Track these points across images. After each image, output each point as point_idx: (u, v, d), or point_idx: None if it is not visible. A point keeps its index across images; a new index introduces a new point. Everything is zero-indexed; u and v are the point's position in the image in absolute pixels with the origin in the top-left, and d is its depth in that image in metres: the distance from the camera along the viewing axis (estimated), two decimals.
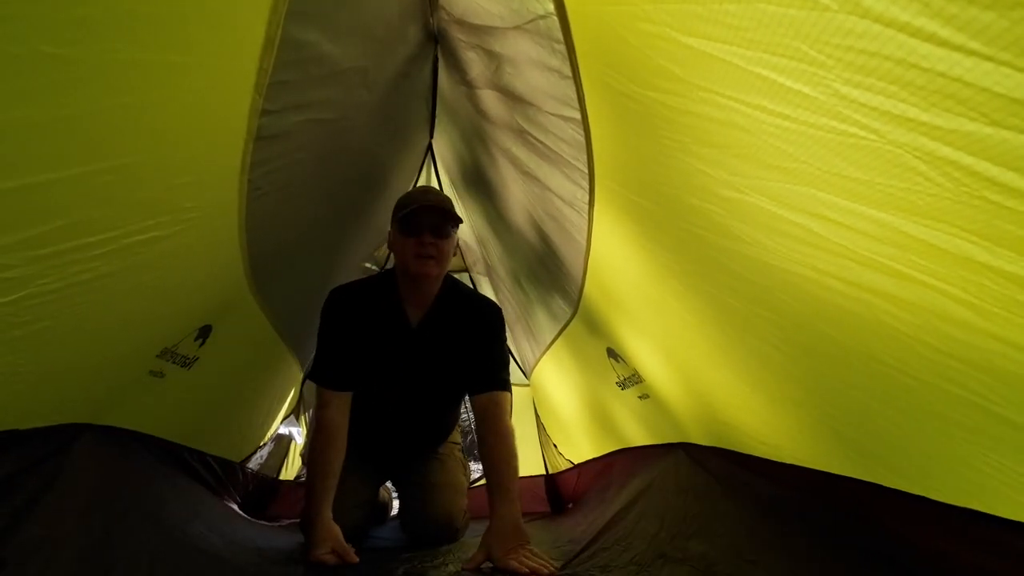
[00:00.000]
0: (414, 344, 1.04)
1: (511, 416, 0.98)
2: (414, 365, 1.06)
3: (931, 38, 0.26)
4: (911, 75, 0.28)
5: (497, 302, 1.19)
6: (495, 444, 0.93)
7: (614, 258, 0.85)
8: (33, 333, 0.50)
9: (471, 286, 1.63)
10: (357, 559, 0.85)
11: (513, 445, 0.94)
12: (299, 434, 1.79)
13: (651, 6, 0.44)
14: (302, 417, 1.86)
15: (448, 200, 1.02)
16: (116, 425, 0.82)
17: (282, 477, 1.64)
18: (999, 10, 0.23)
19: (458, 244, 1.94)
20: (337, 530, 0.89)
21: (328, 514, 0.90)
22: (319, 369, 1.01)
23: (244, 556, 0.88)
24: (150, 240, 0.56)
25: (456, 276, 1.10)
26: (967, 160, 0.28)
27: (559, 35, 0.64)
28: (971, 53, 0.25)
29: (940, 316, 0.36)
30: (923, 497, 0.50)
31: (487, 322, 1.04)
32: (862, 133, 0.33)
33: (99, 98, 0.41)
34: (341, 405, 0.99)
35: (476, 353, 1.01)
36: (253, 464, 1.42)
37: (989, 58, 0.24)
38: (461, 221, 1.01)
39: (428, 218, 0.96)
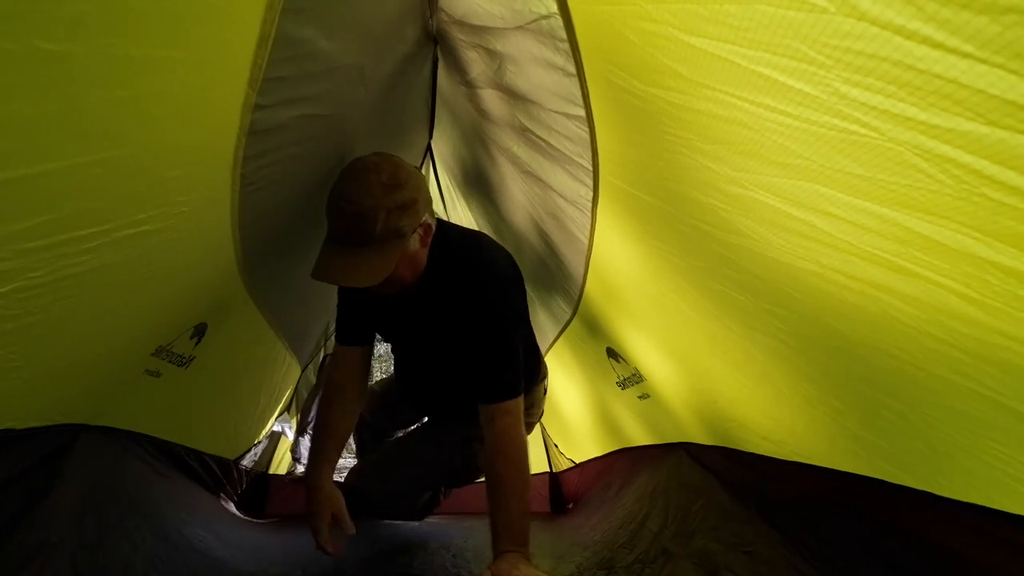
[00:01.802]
0: (406, 317, 0.91)
1: (522, 423, 0.81)
2: (414, 334, 0.93)
3: (926, 41, 0.27)
4: (908, 76, 0.29)
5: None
6: (504, 471, 0.75)
7: (617, 256, 0.86)
8: (24, 327, 0.50)
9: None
10: (354, 530, 0.81)
11: (525, 470, 0.77)
12: (289, 430, 1.79)
13: (653, 6, 0.45)
14: (294, 419, 1.86)
15: (365, 233, 0.71)
16: (114, 426, 0.82)
17: (271, 471, 1.64)
18: (991, 15, 0.24)
19: None
20: (339, 497, 0.82)
21: (329, 480, 0.84)
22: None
23: (241, 556, 0.89)
24: (141, 234, 0.56)
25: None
26: (966, 158, 0.29)
27: (563, 34, 0.65)
28: (965, 56, 0.26)
29: (944, 311, 0.37)
30: (928, 493, 0.51)
31: (479, 304, 0.80)
32: (863, 131, 0.33)
33: (92, 92, 0.41)
34: (348, 363, 0.91)
35: (472, 346, 0.81)
36: (247, 462, 1.42)
37: (983, 61, 0.25)
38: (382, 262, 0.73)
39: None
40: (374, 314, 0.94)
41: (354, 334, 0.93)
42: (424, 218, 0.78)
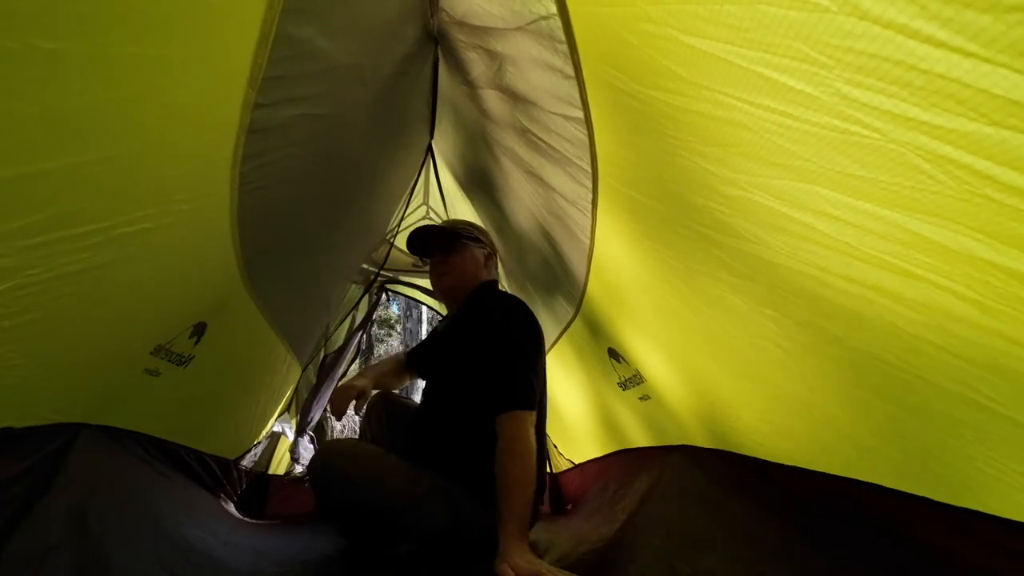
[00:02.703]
0: (437, 350, 1.13)
1: (531, 431, 0.85)
2: (436, 370, 1.11)
3: (929, 40, 0.26)
4: (910, 76, 0.28)
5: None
6: (510, 465, 0.81)
7: (617, 257, 0.86)
8: (23, 324, 0.50)
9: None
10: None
11: (530, 467, 0.82)
12: (289, 430, 1.79)
13: (652, 7, 0.45)
14: (294, 419, 1.86)
15: (453, 225, 1.14)
16: (113, 425, 0.82)
17: (271, 472, 1.63)
18: (995, 13, 0.24)
19: None
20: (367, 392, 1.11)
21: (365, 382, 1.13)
22: None
23: (241, 558, 0.88)
24: (140, 232, 0.56)
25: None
26: (968, 159, 0.29)
27: (561, 36, 0.65)
28: (969, 55, 0.25)
29: (945, 314, 0.37)
30: (927, 499, 0.51)
31: (491, 325, 0.94)
32: (864, 132, 0.33)
33: (92, 91, 0.41)
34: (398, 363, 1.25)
35: (488, 358, 0.91)
36: (247, 462, 1.42)
37: (987, 60, 0.25)
38: (458, 235, 1.08)
39: (420, 241, 1.11)
40: (432, 345, 1.21)
41: (411, 357, 1.25)
42: (489, 250, 1.14)
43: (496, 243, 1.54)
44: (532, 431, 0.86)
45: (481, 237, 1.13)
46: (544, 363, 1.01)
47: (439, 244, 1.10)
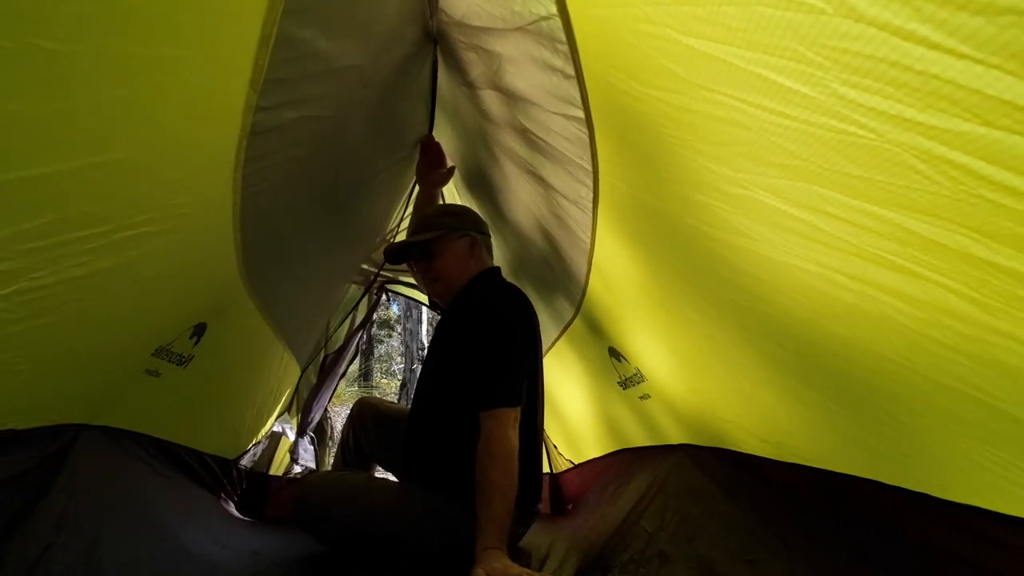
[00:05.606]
0: (433, 344, 1.08)
1: (513, 432, 0.82)
2: (428, 365, 1.06)
3: (923, 41, 0.27)
4: (906, 77, 0.29)
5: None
6: (490, 469, 0.78)
7: (618, 255, 0.86)
8: (27, 329, 0.50)
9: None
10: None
11: (511, 472, 0.78)
12: (290, 431, 1.78)
13: (652, 8, 0.45)
14: (294, 419, 1.85)
15: (421, 224, 1.07)
16: (114, 425, 0.82)
17: (271, 472, 1.63)
18: (988, 16, 0.24)
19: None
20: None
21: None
22: None
23: (240, 560, 0.88)
24: (142, 235, 0.56)
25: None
26: (963, 159, 0.29)
27: (562, 36, 0.65)
28: (962, 56, 0.26)
29: (944, 311, 0.37)
30: (926, 495, 0.51)
31: (481, 318, 0.90)
32: (861, 132, 0.34)
33: (93, 92, 0.41)
34: None
35: (474, 353, 0.89)
36: (246, 462, 1.42)
37: (979, 61, 0.25)
38: (429, 240, 1.02)
39: (399, 255, 1.08)
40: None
41: None
42: (471, 232, 1.04)
43: (491, 237, 1.54)
44: (514, 431, 0.82)
45: (455, 223, 1.05)
46: (539, 357, 0.99)
47: (416, 253, 1.05)
